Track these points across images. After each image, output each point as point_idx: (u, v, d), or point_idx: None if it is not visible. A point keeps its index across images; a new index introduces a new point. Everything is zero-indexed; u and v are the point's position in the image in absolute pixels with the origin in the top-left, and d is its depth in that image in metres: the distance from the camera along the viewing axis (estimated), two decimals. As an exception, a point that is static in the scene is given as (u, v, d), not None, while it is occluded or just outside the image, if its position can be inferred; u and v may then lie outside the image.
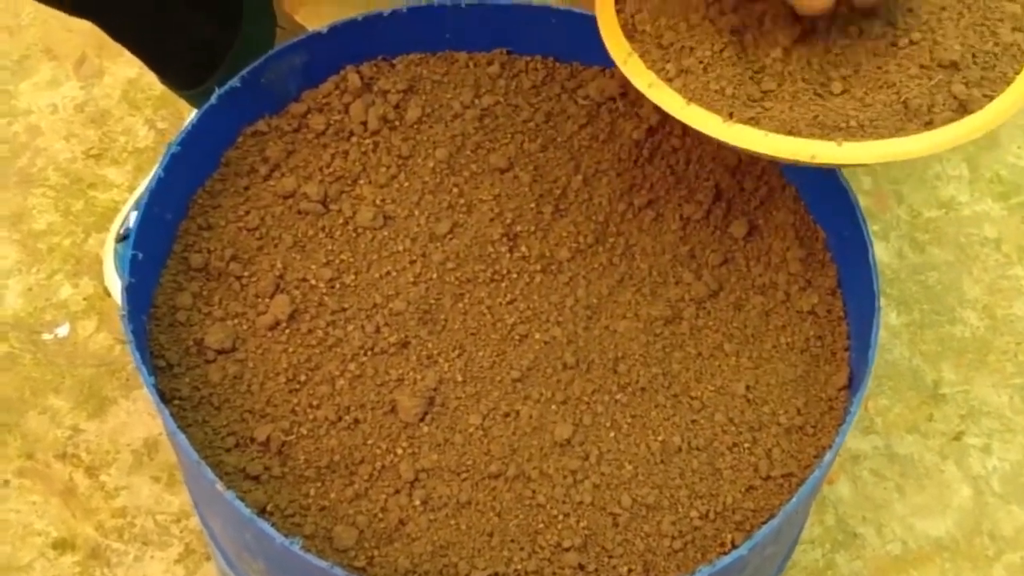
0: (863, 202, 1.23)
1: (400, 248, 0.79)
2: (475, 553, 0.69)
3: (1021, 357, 1.16)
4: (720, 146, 0.84)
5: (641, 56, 0.72)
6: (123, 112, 1.30)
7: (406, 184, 0.82)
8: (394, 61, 0.87)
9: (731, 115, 0.68)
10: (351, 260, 0.79)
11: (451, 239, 0.80)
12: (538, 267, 0.80)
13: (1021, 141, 1.31)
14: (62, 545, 1.04)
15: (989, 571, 1.05)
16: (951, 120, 0.66)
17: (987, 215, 1.26)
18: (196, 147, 0.78)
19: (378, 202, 0.81)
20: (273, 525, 0.65)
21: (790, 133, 0.67)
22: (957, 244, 1.23)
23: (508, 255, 0.80)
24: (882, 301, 1.17)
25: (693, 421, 0.74)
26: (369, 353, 0.75)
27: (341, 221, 0.80)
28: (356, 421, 0.73)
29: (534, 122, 0.86)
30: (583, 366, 0.75)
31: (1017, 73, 0.68)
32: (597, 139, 0.86)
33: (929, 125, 0.66)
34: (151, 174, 0.82)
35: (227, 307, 0.77)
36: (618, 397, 0.75)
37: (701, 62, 0.70)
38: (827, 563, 1.05)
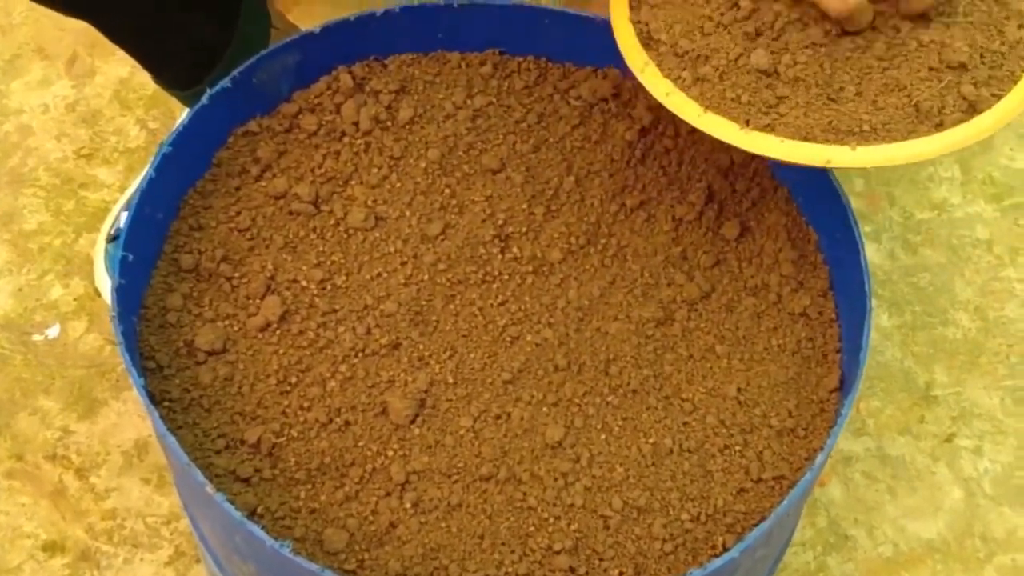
0: (855, 203, 1.24)
1: (391, 249, 0.79)
2: (466, 556, 0.69)
3: (1013, 359, 1.16)
4: (713, 147, 0.84)
5: (658, 65, 0.73)
6: (114, 112, 1.29)
7: (398, 185, 0.82)
8: (386, 61, 0.87)
9: (747, 122, 0.69)
10: (342, 261, 0.79)
11: (443, 240, 0.80)
12: (530, 268, 0.79)
13: (1014, 143, 1.31)
14: (52, 547, 1.04)
15: (980, 573, 1.05)
16: (961, 121, 0.68)
17: (979, 217, 1.26)
18: (187, 147, 0.78)
19: (370, 203, 0.81)
20: (263, 527, 0.65)
21: (805, 139, 0.68)
22: (949, 246, 1.23)
23: (500, 256, 0.80)
24: (874, 303, 1.17)
25: (684, 423, 0.74)
26: (360, 355, 0.75)
27: (332, 222, 0.80)
28: (347, 423, 0.73)
29: (526, 123, 0.86)
30: (574, 368, 0.75)
31: None
32: (589, 140, 0.86)
33: (940, 127, 0.68)
34: (142, 174, 0.82)
35: (218, 308, 0.76)
36: (609, 399, 0.74)
37: (717, 70, 0.71)
38: (819, 565, 1.05)
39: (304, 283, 0.77)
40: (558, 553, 0.69)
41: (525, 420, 0.73)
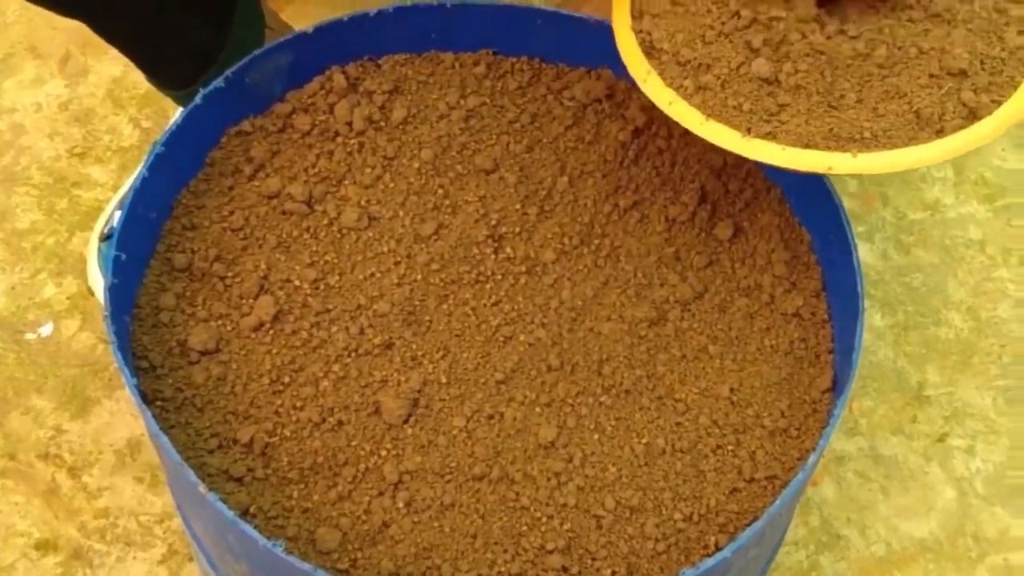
0: (848, 204, 1.24)
1: (385, 249, 0.79)
2: (458, 555, 0.69)
3: (1005, 359, 1.17)
4: (706, 148, 0.85)
5: (660, 74, 0.73)
6: (107, 111, 1.29)
7: (391, 185, 0.82)
8: (380, 61, 0.87)
9: (749, 130, 0.70)
10: (335, 261, 0.79)
11: (436, 240, 0.80)
12: (523, 268, 0.80)
13: (1006, 143, 1.31)
14: (44, 546, 1.04)
15: (972, 572, 1.05)
16: (961, 127, 0.68)
17: (972, 217, 1.26)
18: (180, 147, 0.78)
19: (363, 203, 0.81)
20: (256, 527, 0.65)
21: (807, 146, 0.69)
22: (942, 246, 1.24)
23: (493, 256, 0.80)
24: (867, 303, 1.17)
25: (677, 423, 0.74)
26: (353, 354, 0.75)
27: (326, 222, 0.80)
28: (340, 423, 0.73)
29: (520, 123, 0.86)
30: (567, 368, 0.75)
31: None
32: (583, 140, 0.86)
33: (940, 133, 0.68)
34: (135, 173, 0.81)
35: (211, 308, 0.76)
36: (602, 399, 0.74)
37: (719, 78, 0.71)
38: (811, 564, 1.05)
39: (297, 283, 0.77)
40: (551, 552, 0.69)
41: (518, 420, 0.73)
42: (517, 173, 0.84)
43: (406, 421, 0.73)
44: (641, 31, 0.75)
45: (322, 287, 0.77)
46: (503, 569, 0.68)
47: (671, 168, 0.84)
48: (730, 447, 0.74)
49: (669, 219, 0.83)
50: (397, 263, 0.79)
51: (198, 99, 0.78)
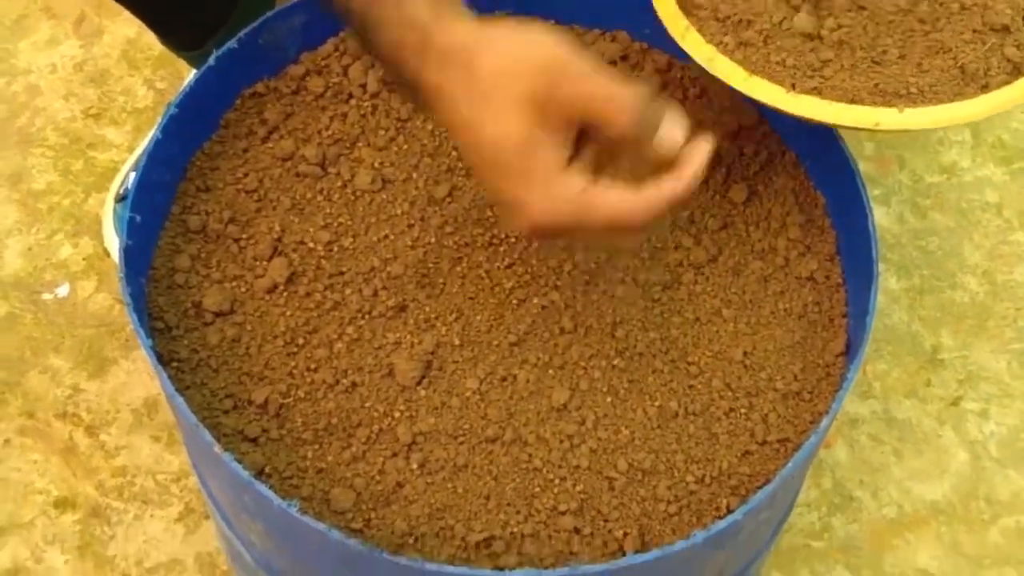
0: (865, 167, 1.23)
1: (398, 211, 0.79)
2: (471, 516, 0.69)
3: (1020, 323, 1.16)
4: (721, 110, 0.84)
5: (699, 30, 0.73)
6: (122, 72, 1.29)
7: (405, 147, 0.82)
8: (394, 22, 0.86)
9: (793, 86, 0.69)
10: (349, 223, 0.79)
11: (450, 203, 0.80)
12: (537, 231, 0.79)
13: (1025, 106, 1.30)
14: (63, 504, 1.05)
15: (985, 535, 1.05)
16: (1006, 82, 0.68)
17: (989, 180, 1.25)
18: (194, 109, 0.78)
19: (376, 165, 0.81)
20: (271, 487, 0.65)
21: (852, 102, 0.68)
22: (958, 209, 1.23)
23: (507, 219, 0.80)
24: (882, 266, 1.17)
25: (690, 386, 0.74)
26: (367, 316, 0.75)
27: (339, 184, 0.80)
28: (354, 384, 0.73)
29: (534, 85, 0.86)
30: (581, 331, 0.75)
31: None
32: (597, 102, 0.85)
33: (985, 88, 0.68)
34: (150, 135, 0.82)
35: (225, 269, 0.77)
36: (615, 362, 0.75)
37: (761, 34, 0.71)
38: (823, 526, 1.05)
39: (311, 245, 0.78)
40: (563, 514, 0.69)
41: (531, 382, 0.73)
42: (531, 135, 0.83)
43: (419, 383, 0.73)
44: None
45: (336, 249, 0.78)
46: (515, 530, 0.69)
47: (686, 131, 0.84)
48: (743, 410, 0.74)
49: (683, 182, 0.82)
50: (411, 225, 0.79)
51: (211, 61, 0.78)
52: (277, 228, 0.78)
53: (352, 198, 0.80)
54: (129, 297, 0.69)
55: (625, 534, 0.69)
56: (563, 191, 0.58)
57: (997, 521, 1.06)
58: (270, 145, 0.82)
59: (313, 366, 0.74)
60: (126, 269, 0.71)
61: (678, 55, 0.86)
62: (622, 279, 0.78)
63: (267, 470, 0.69)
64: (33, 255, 1.17)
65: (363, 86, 0.84)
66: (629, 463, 0.71)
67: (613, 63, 0.86)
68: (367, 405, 0.72)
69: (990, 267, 1.19)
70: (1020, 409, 1.12)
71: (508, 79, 0.57)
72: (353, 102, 0.83)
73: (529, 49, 0.58)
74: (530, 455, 0.71)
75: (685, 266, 0.79)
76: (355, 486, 0.70)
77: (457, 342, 0.75)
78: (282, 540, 0.71)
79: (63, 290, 1.16)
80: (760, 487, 0.70)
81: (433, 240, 0.78)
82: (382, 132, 0.82)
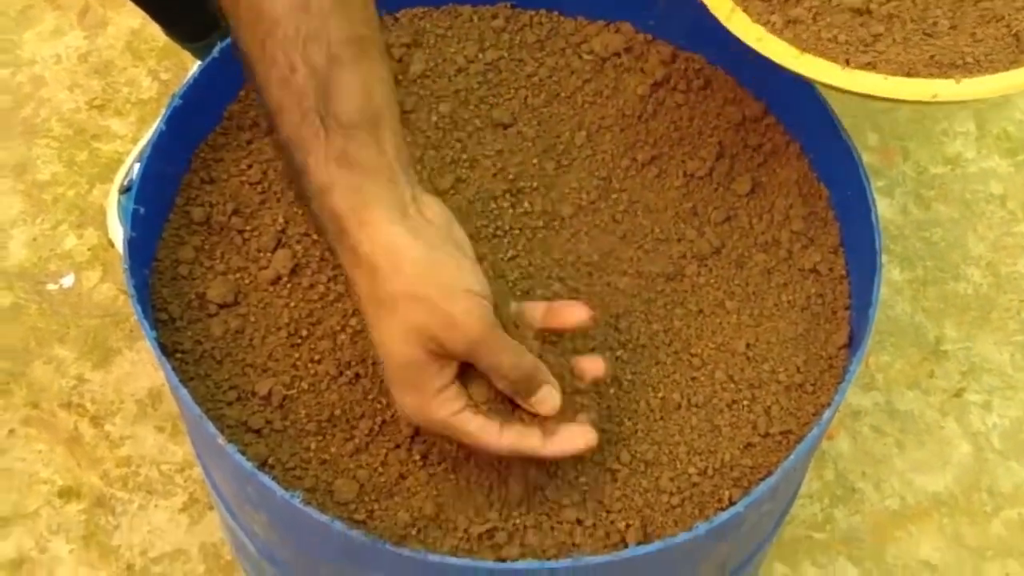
0: (869, 158, 1.23)
1: (402, 203, 0.79)
2: (474, 507, 0.69)
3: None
4: (725, 102, 0.84)
5: (745, 10, 0.71)
6: (126, 63, 1.29)
7: (409, 139, 0.82)
8: (398, 15, 0.86)
9: (847, 62, 0.68)
10: (353, 215, 0.79)
11: (454, 194, 0.80)
12: (540, 223, 0.80)
13: (1030, 97, 1.30)
14: (68, 493, 1.05)
15: (987, 527, 1.06)
16: None
17: (994, 172, 1.25)
18: (198, 101, 0.78)
19: (380, 156, 0.81)
20: (274, 478, 0.66)
21: (909, 74, 0.67)
22: (962, 201, 1.23)
23: (511, 211, 0.80)
24: (885, 257, 1.17)
25: (693, 378, 0.74)
26: (370, 308, 0.75)
27: (343, 175, 0.80)
28: (357, 376, 0.73)
29: (538, 77, 0.86)
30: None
31: None
32: (601, 95, 0.85)
33: None
34: (154, 126, 0.82)
35: (229, 261, 0.77)
36: (618, 353, 0.75)
37: (810, 11, 0.69)
38: (826, 517, 1.06)
39: (315, 236, 0.78)
40: (565, 506, 0.69)
41: (534, 374, 0.73)
42: (535, 127, 0.83)
43: (423, 374, 0.73)
44: None
45: (340, 241, 0.78)
46: (518, 522, 0.69)
47: (689, 122, 0.84)
48: (745, 402, 0.74)
49: (687, 174, 0.82)
50: (414, 217, 0.79)
51: (215, 53, 0.78)
52: (281, 220, 0.78)
53: (356, 190, 0.80)
54: (133, 288, 0.69)
55: (627, 525, 0.69)
56: (435, 411, 0.64)
57: (999, 513, 1.06)
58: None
59: (317, 357, 0.74)
60: (130, 261, 0.71)
61: (682, 46, 0.86)
62: (625, 271, 0.78)
63: (270, 461, 0.70)
64: (38, 245, 1.18)
65: (367, 78, 0.84)
66: (632, 454, 0.71)
67: (617, 55, 0.86)
68: (370, 397, 0.73)
69: (994, 259, 1.19)
70: (1022, 401, 1.12)
71: (408, 306, 0.61)
72: (357, 94, 0.83)
73: (433, 288, 0.61)
74: (532, 447, 0.71)
75: (688, 258, 0.79)
76: (358, 477, 0.70)
77: (460, 334, 0.75)
78: (285, 531, 0.71)
79: (68, 280, 1.16)
80: (762, 479, 0.70)
81: (437, 232, 0.78)
82: (386, 124, 0.82)
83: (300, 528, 0.67)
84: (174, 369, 0.69)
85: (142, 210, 0.73)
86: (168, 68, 1.29)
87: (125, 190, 1.15)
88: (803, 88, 0.79)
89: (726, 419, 0.73)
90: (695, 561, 0.71)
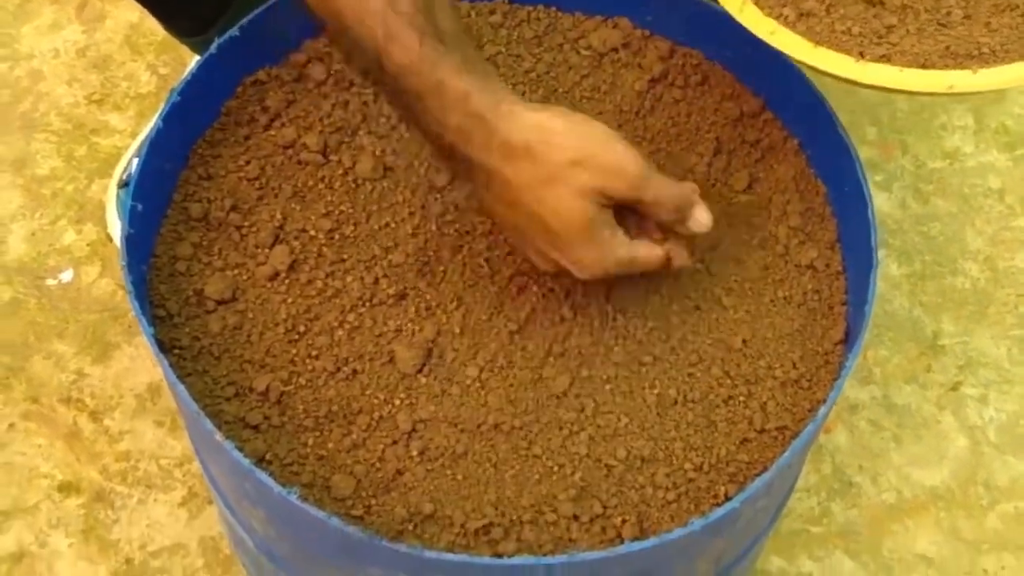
0: (868, 152, 1.23)
1: (400, 199, 0.80)
2: (471, 503, 0.70)
3: (1021, 309, 1.16)
4: (722, 98, 0.84)
5: (756, 3, 0.71)
6: (125, 57, 1.29)
7: (406, 135, 0.82)
8: (395, 10, 0.86)
9: (862, 54, 0.67)
10: (350, 211, 0.79)
11: (451, 190, 0.80)
12: (537, 219, 0.80)
13: (1028, 91, 1.30)
14: (67, 488, 1.06)
15: (983, 520, 1.06)
16: None
17: (992, 166, 1.25)
18: (196, 97, 0.78)
19: (378, 153, 0.81)
20: (271, 474, 0.66)
21: (924, 66, 0.66)
22: (961, 195, 1.23)
23: (507, 207, 0.80)
24: (883, 252, 1.17)
25: (689, 374, 0.75)
26: (368, 304, 0.75)
27: (341, 172, 0.80)
28: (354, 372, 0.73)
29: (536, 73, 0.86)
30: (580, 318, 0.76)
31: None
32: (599, 90, 0.85)
33: None
34: (153, 121, 0.82)
35: (227, 257, 0.77)
36: (615, 350, 0.75)
37: (823, 3, 0.69)
38: (823, 511, 1.06)
39: (312, 232, 0.78)
40: (562, 501, 0.70)
41: (531, 370, 0.74)
42: (532, 123, 0.83)
43: (420, 370, 0.73)
44: None
45: (337, 237, 0.78)
46: (514, 517, 0.69)
47: (687, 118, 0.84)
48: (741, 398, 0.74)
49: (685, 169, 0.82)
50: (412, 213, 0.79)
51: (213, 49, 0.78)
52: (279, 216, 0.78)
53: (353, 186, 0.80)
54: (131, 285, 0.70)
55: (623, 521, 0.69)
56: (613, 255, 0.69)
57: (996, 507, 1.07)
58: (272, 133, 0.82)
59: (314, 353, 0.74)
60: (128, 257, 0.71)
61: (680, 41, 0.86)
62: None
63: (268, 457, 0.70)
64: (37, 240, 1.18)
65: (364, 74, 0.84)
66: (628, 450, 0.72)
67: (615, 50, 0.86)
68: (367, 392, 0.73)
69: (992, 253, 1.19)
70: (1020, 395, 1.12)
71: (574, 171, 0.66)
72: (355, 90, 0.84)
73: (591, 147, 0.67)
74: (529, 442, 0.72)
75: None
76: (355, 473, 0.70)
77: (457, 330, 0.75)
78: (283, 526, 0.71)
79: (67, 275, 1.16)
80: (758, 475, 0.70)
81: (434, 228, 0.79)
82: (384, 120, 0.83)
83: (297, 524, 0.67)
84: (172, 365, 0.69)
85: (140, 206, 0.73)
86: (167, 62, 1.28)
87: (124, 185, 1.15)
88: (801, 84, 0.79)
89: (722, 415, 0.73)
90: (691, 556, 0.71)
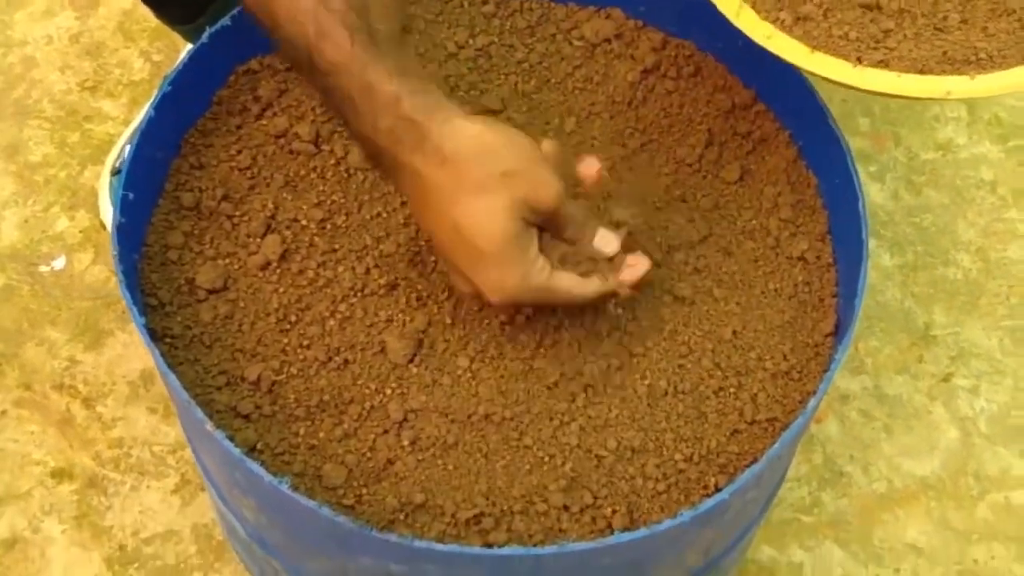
0: (860, 143, 1.23)
1: (391, 189, 0.79)
2: (461, 493, 0.70)
3: (1013, 300, 1.17)
4: (715, 89, 0.84)
5: (753, 7, 0.71)
6: (118, 44, 1.29)
7: None
8: None
9: (859, 59, 0.67)
10: (342, 201, 0.79)
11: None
12: (529, 209, 0.80)
13: (1022, 82, 1.30)
14: (60, 474, 1.06)
15: (973, 510, 1.06)
16: None
17: (984, 157, 1.25)
18: (187, 86, 0.78)
19: (370, 142, 0.81)
20: (263, 463, 0.66)
21: (921, 72, 0.66)
22: (953, 186, 1.23)
23: (499, 197, 0.80)
24: (875, 243, 1.17)
25: (680, 365, 0.75)
26: (359, 294, 0.76)
27: (333, 162, 0.80)
28: (346, 361, 0.73)
29: (528, 63, 0.86)
30: (571, 309, 0.76)
31: None
32: (591, 81, 0.85)
33: None
34: (145, 110, 0.82)
35: (218, 246, 0.77)
36: (605, 341, 0.75)
37: (820, 7, 0.69)
38: (813, 500, 1.06)
39: (304, 222, 0.78)
40: (552, 492, 0.70)
41: (521, 361, 0.74)
42: (525, 113, 0.84)
43: (411, 361, 0.74)
44: None
45: (329, 227, 0.78)
46: (505, 507, 0.69)
47: (679, 109, 0.84)
48: (732, 389, 0.74)
49: (676, 161, 0.83)
50: (403, 203, 0.79)
51: (205, 38, 0.78)
52: (270, 205, 0.78)
53: (345, 176, 0.80)
54: (122, 274, 0.70)
55: (613, 512, 0.70)
56: (534, 279, 0.67)
57: (986, 497, 1.07)
58: (264, 122, 0.82)
59: (306, 343, 0.74)
60: (119, 247, 0.71)
61: (673, 32, 0.86)
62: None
63: (259, 446, 0.70)
64: (29, 227, 1.18)
65: (357, 63, 0.84)
66: (618, 441, 0.72)
67: (607, 41, 0.86)
68: (359, 382, 0.73)
69: (984, 244, 1.20)
70: (1010, 386, 1.12)
71: (505, 182, 0.65)
72: (347, 79, 0.83)
73: (523, 161, 0.66)
74: (520, 433, 0.72)
75: (676, 245, 0.79)
76: (346, 462, 0.70)
77: (448, 321, 0.75)
78: (274, 515, 0.72)
79: (60, 262, 1.16)
80: (748, 466, 0.70)
81: (426, 218, 0.79)
82: (376, 109, 0.82)
83: (288, 513, 0.67)
84: (163, 354, 0.69)
85: (131, 196, 0.73)
86: (160, 49, 1.28)
87: (117, 172, 1.15)
88: (793, 76, 0.79)
89: (712, 406, 0.74)
90: (681, 547, 0.71)
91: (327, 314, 0.75)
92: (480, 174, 0.65)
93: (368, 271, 0.76)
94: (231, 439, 0.65)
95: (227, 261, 0.77)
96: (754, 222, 0.81)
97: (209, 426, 0.64)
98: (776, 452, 0.67)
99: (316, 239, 0.77)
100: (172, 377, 0.67)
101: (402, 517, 0.69)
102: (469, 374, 0.74)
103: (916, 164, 1.24)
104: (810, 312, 0.77)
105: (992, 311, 1.16)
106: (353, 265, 0.76)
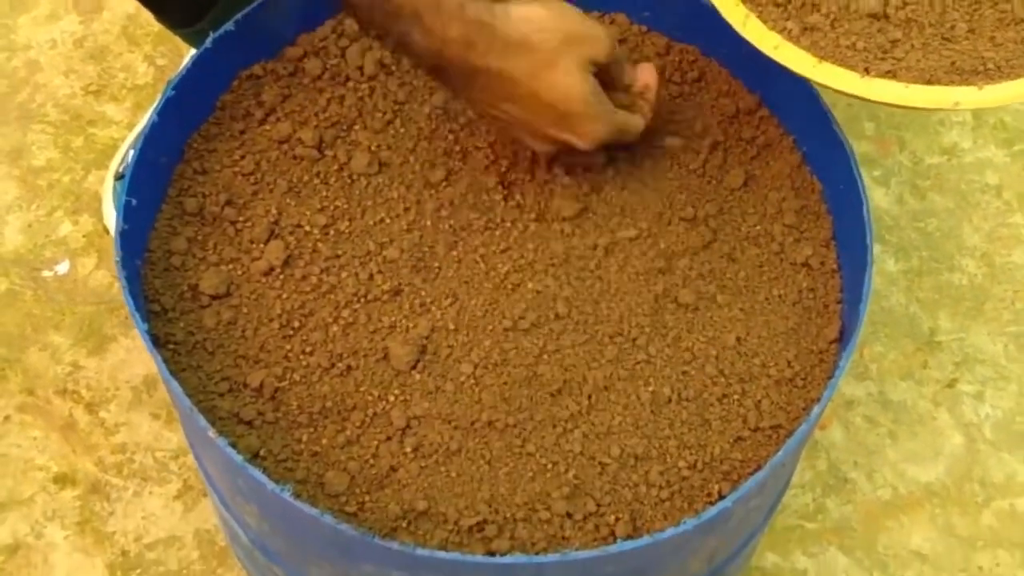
0: (865, 148, 1.23)
1: (395, 195, 0.79)
2: (464, 500, 0.70)
3: (1018, 305, 1.16)
4: (719, 95, 0.84)
5: (759, 17, 0.70)
6: (122, 48, 1.29)
7: (402, 130, 0.82)
8: (391, 4, 0.86)
9: (867, 70, 0.67)
10: (345, 207, 0.79)
11: (446, 186, 0.80)
12: (532, 216, 0.80)
13: (1027, 87, 1.30)
14: (63, 480, 1.06)
15: (978, 517, 1.06)
16: None
17: (989, 162, 1.25)
18: (191, 91, 0.78)
19: (373, 148, 0.81)
20: (265, 470, 0.66)
21: (929, 82, 0.66)
22: (958, 191, 1.23)
23: (503, 203, 0.80)
24: (880, 248, 1.17)
25: (683, 372, 0.75)
26: (362, 300, 0.75)
27: (336, 167, 0.80)
28: (349, 368, 0.73)
29: (532, 68, 0.85)
30: (575, 315, 0.76)
31: None
32: (595, 86, 0.85)
33: None
34: (150, 113, 0.82)
35: (221, 252, 0.77)
36: (609, 347, 0.75)
37: (827, 17, 0.69)
38: (817, 507, 1.06)
39: (307, 228, 0.78)
40: (555, 499, 0.70)
41: (525, 367, 0.74)
42: (528, 119, 0.83)
43: (414, 367, 0.73)
44: None
45: (332, 232, 0.78)
46: (508, 515, 0.69)
47: (683, 115, 0.84)
48: (736, 396, 0.74)
49: (680, 166, 0.82)
50: (407, 209, 0.79)
51: (208, 43, 0.78)
52: (274, 211, 0.78)
53: (349, 181, 0.80)
54: (125, 280, 0.70)
55: (617, 519, 0.70)
56: (611, 121, 0.76)
57: (991, 503, 1.07)
58: (267, 127, 0.82)
59: (308, 349, 0.74)
60: (122, 252, 0.71)
61: (676, 38, 0.86)
62: (616, 264, 0.78)
63: (262, 453, 0.70)
64: (33, 232, 1.18)
65: (360, 68, 0.84)
66: (621, 448, 0.72)
67: (611, 46, 0.86)
68: (362, 389, 0.73)
69: (989, 249, 1.19)
70: (1015, 392, 1.12)
71: (568, 48, 0.73)
72: (350, 84, 0.83)
73: (572, 24, 0.73)
74: (523, 440, 0.72)
75: (680, 251, 0.79)
76: (349, 469, 0.70)
77: (452, 326, 0.75)
78: (276, 522, 0.71)
79: (63, 267, 1.16)
80: (752, 473, 0.70)
81: (429, 224, 0.78)
82: (379, 115, 0.82)
83: (291, 520, 0.67)
84: (165, 361, 0.69)
85: (134, 202, 0.73)
86: (164, 53, 1.28)
87: (121, 176, 1.15)
88: (797, 81, 0.79)
89: (716, 413, 0.73)
90: (684, 555, 0.71)
91: (330, 320, 0.75)
92: (548, 49, 0.72)
93: (371, 277, 0.76)
94: (233, 446, 0.65)
95: (230, 267, 0.76)
96: (758, 228, 0.80)
97: (211, 433, 0.64)
98: (780, 460, 0.67)
99: (319, 245, 0.77)
100: (174, 383, 0.67)
101: (404, 525, 0.69)
102: (472, 381, 0.73)
103: (921, 169, 1.24)
104: (814, 318, 0.77)
105: (997, 316, 1.16)
106: (356, 271, 0.76)
